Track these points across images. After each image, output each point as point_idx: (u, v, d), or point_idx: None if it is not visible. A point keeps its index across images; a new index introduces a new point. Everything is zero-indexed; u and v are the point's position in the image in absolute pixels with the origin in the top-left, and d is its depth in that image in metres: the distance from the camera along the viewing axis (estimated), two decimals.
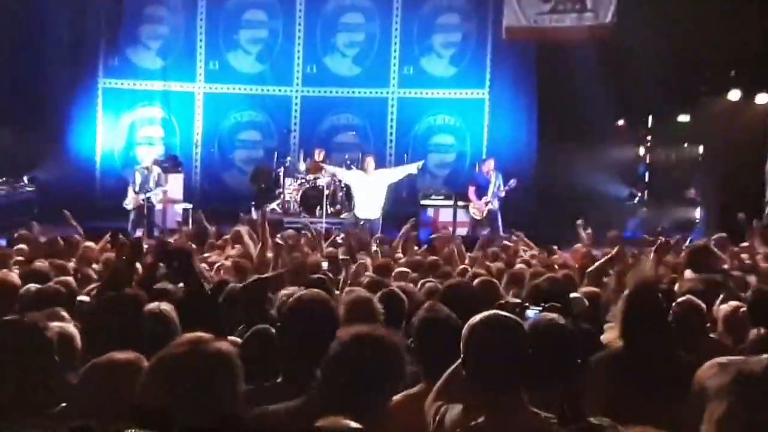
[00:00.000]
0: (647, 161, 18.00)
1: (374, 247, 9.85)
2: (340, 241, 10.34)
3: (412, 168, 15.07)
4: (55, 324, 3.42)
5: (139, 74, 18.22)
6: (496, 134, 17.81)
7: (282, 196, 16.36)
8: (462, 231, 14.97)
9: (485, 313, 3.18)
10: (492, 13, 17.55)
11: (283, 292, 4.99)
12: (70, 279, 5.89)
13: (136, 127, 18.29)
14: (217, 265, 7.91)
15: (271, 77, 18.31)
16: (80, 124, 17.98)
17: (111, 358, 2.95)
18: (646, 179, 17.86)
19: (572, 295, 5.06)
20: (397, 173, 15.19)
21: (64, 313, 4.30)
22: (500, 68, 17.83)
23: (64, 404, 2.98)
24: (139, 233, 13.28)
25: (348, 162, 16.12)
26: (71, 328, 3.78)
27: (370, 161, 14.94)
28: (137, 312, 3.94)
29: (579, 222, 11.13)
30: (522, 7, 16.17)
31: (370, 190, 14.72)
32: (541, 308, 3.77)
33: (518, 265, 8.06)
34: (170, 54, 18.28)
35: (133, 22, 18.16)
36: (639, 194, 17.68)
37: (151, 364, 2.51)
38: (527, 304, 3.93)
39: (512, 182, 14.97)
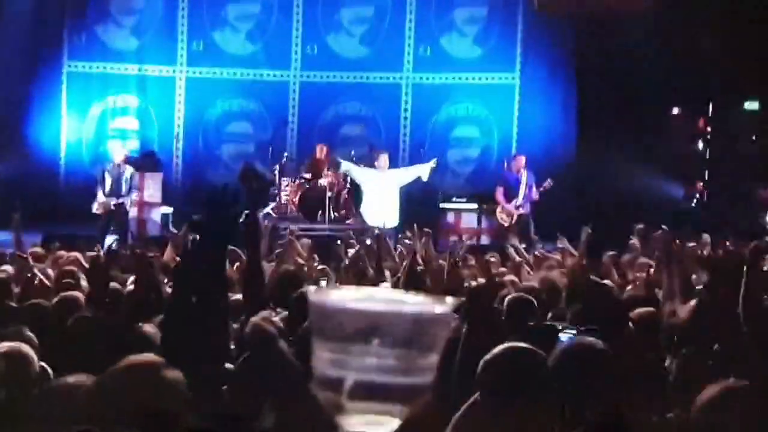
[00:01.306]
0: (707, 156, 17.88)
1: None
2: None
3: (424, 170, 15.19)
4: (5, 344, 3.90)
5: (110, 56, 18.13)
6: (528, 126, 17.77)
7: (277, 198, 16.35)
8: (485, 239, 15.26)
9: (501, 348, 3.41)
10: None
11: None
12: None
13: (106, 118, 18.22)
14: None
15: (265, 59, 18.25)
16: (41, 114, 17.92)
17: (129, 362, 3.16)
18: (706, 177, 17.76)
19: None
20: (406, 174, 15.32)
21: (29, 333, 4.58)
22: (533, 48, 17.80)
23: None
24: (109, 241, 13.10)
25: (354, 159, 16.10)
26: (25, 347, 4.04)
27: (384, 159, 15.10)
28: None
29: (639, 226, 10.78)
30: None
31: (384, 193, 14.85)
32: (576, 331, 3.97)
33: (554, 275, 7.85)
34: (146, 32, 18.20)
35: None
36: (697, 195, 17.63)
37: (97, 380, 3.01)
38: (563, 326, 4.18)
39: (547, 183, 14.98)
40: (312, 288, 1.45)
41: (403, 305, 1.39)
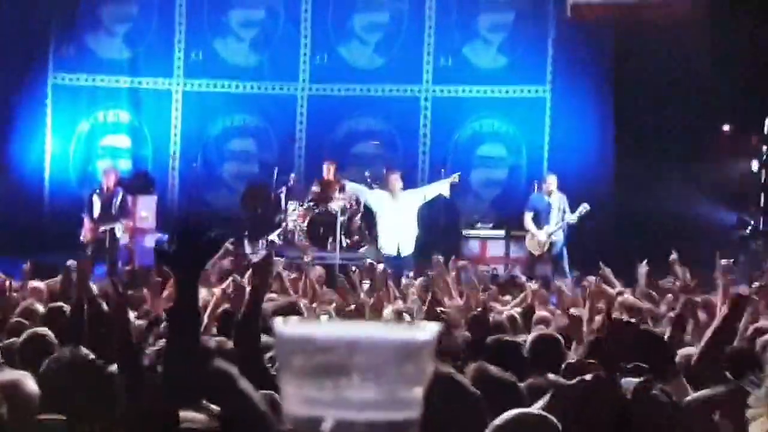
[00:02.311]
0: (762, 179, 17.73)
1: (412, 293, 9.88)
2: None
3: (444, 186, 15.13)
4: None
5: (100, 67, 18.24)
6: (561, 144, 17.73)
7: (284, 224, 16.36)
8: (500, 268, 15.34)
9: (512, 415, 3.49)
10: None
11: None
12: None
13: (96, 135, 18.30)
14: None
15: (270, 71, 18.33)
16: (23, 130, 18.01)
17: None
18: (761, 202, 17.60)
19: None
20: (426, 193, 15.27)
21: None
22: (565, 58, 17.75)
23: None
24: (98, 272, 13.10)
25: (369, 180, 16.05)
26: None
27: (395, 180, 14.99)
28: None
29: (673, 257, 10.63)
30: None
31: (398, 218, 14.73)
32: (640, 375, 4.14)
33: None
34: (140, 41, 18.30)
35: None
36: (752, 222, 17.41)
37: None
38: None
39: (582, 208, 14.90)
40: (277, 319, 1.42)
41: (383, 332, 1.38)
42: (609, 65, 17.32)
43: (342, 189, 15.92)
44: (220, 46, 18.30)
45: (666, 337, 6.04)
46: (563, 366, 5.47)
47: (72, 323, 5.94)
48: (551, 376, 5.21)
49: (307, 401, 1.38)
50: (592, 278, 10.47)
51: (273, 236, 16.19)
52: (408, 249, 14.61)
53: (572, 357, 5.94)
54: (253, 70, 18.29)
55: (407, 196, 14.88)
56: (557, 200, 15.09)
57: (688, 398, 4.82)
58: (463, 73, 18.04)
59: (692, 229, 15.70)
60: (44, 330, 5.62)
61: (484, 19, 18.03)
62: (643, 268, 10.73)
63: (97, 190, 15.09)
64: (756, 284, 8.23)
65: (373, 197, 15.20)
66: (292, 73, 18.25)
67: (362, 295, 9.20)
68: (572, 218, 14.87)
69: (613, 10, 16.39)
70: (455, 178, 15.00)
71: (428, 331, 1.39)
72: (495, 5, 18.05)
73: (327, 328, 1.40)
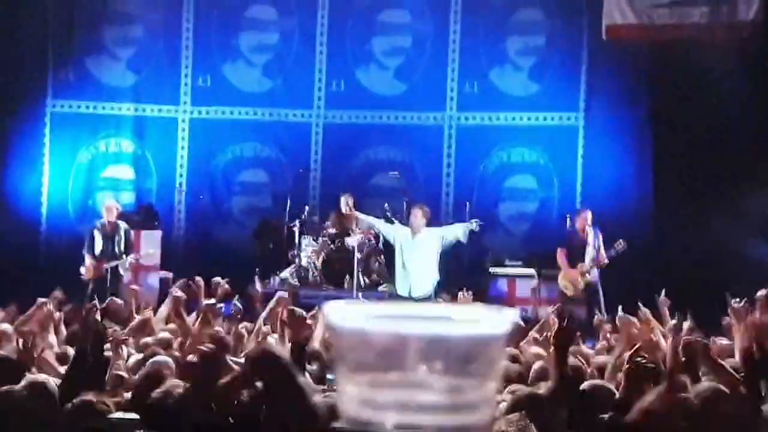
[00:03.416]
0: None
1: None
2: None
3: (461, 231, 14.49)
4: None
5: (102, 93, 18.38)
6: (595, 175, 17.79)
7: (297, 260, 16.44)
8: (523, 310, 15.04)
9: None
10: (588, 8, 17.55)
11: None
12: None
13: (97, 166, 18.40)
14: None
15: (283, 97, 18.49)
16: (20, 161, 18.10)
17: None
18: None
19: None
20: (444, 234, 14.75)
21: None
22: (600, 84, 17.82)
23: None
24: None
25: (388, 213, 16.00)
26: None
27: (417, 215, 14.53)
28: None
29: (662, 299, 10.76)
30: None
31: (416, 257, 14.36)
32: None
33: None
34: (145, 65, 18.45)
35: (95, 21, 18.33)
36: None
37: None
38: None
39: (619, 245, 14.82)
40: (333, 304, 1.38)
41: (453, 324, 1.31)
42: (646, 91, 17.30)
43: (359, 223, 15.98)
44: (230, 71, 18.42)
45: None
46: None
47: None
48: None
49: (367, 402, 1.33)
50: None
51: (285, 273, 16.20)
52: (421, 291, 14.22)
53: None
54: (265, 97, 18.39)
55: (428, 234, 14.44)
56: (591, 236, 15.04)
57: None
58: (489, 99, 18.11)
59: (737, 267, 15.32)
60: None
61: (512, 42, 18.14)
62: (663, 301, 10.76)
63: (98, 225, 15.21)
64: None
65: (392, 232, 14.89)
66: (306, 100, 18.35)
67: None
68: (607, 256, 14.90)
69: (650, 31, 16.27)
70: (474, 225, 14.38)
71: (500, 323, 1.34)
72: (524, 27, 18.13)
73: (391, 322, 1.33)
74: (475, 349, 1.31)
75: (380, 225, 15.11)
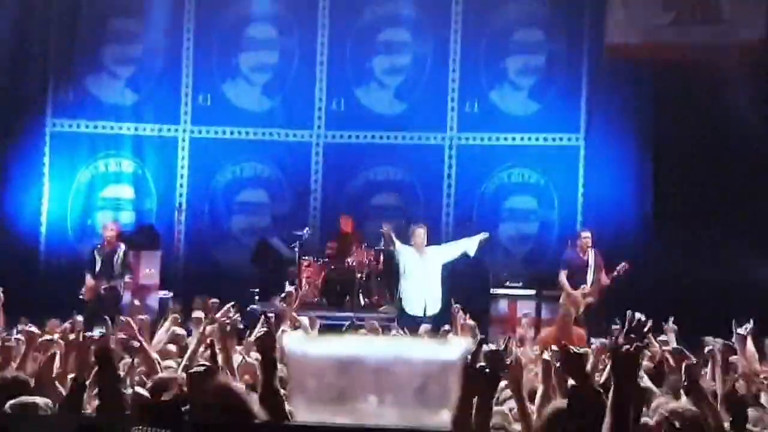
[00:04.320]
0: None
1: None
2: None
3: (471, 244, 15.18)
4: None
5: (102, 113, 18.36)
6: (595, 196, 17.82)
7: (297, 281, 16.36)
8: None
9: None
10: (589, 27, 17.66)
11: None
12: None
13: (96, 186, 18.37)
14: None
15: (283, 117, 18.51)
16: (19, 180, 18.07)
17: None
18: None
19: None
20: (450, 252, 15.33)
21: None
22: (601, 104, 17.85)
23: None
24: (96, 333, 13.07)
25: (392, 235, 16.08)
26: None
27: (420, 234, 15.02)
28: None
29: (669, 326, 10.79)
30: (632, 17, 16.52)
31: (424, 276, 14.82)
32: None
33: None
34: (145, 85, 18.46)
35: (94, 39, 18.31)
36: None
37: None
38: None
39: (621, 266, 15.04)
40: (288, 333, 1.33)
41: (408, 350, 1.27)
42: (647, 111, 17.30)
43: (360, 244, 16.01)
44: (230, 90, 18.43)
45: None
46: None
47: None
48: None
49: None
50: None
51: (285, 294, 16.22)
52: (434, 308, 14.70)
53: None
54: (265, 116, 18.41)
55: (433, 252, 14.91)
56: (593, 257, 15.18)
57: None
58: (490, 119, 18.14)
59: (740, 290, 15.35)
60: None
61: (513, 62, 18.17)
62: (671, 327, 10.80)
63: (98, 246, 15.30)
64: None
65: (399, 252, 15.26)
66: (306, 119, 18.37)
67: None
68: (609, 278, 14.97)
69: (652, 50, 16.41)
70: (483, 236, 14.97)
71: (456, 348, 1.33)
72: (525, 47, 18.16)
73: (345, 345, 1.31)
74: (427, 377, 1.27)
75: (399, 246, 15.32)
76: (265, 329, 5.99)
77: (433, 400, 1.10)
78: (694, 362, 7.15)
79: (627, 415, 4.25)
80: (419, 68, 18.37)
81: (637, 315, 4.52)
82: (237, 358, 8.53)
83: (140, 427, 2.95)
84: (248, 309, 13.19)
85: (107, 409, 5.59)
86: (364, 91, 18.45)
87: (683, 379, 6.69)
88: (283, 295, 15.92)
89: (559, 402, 5.38)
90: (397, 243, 15.26)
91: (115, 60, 18.36)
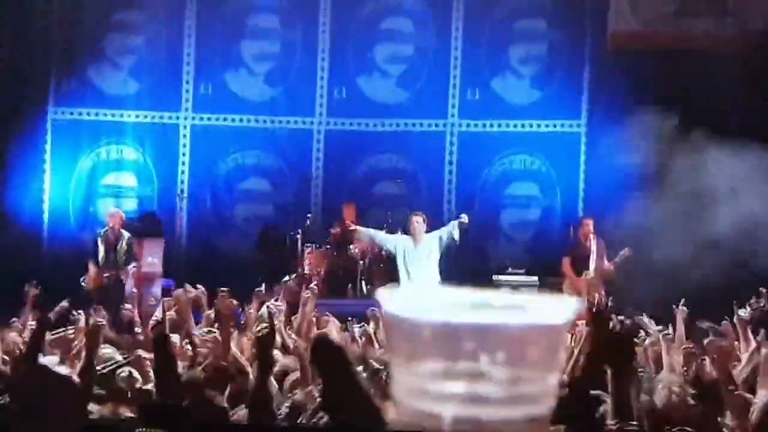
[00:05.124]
0: None
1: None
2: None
3: (452, 228, 14.45)
4: None
5: (103, 101, 18.40)
6: (597, 182, 17.83)
7: (300, 268, 16.34)
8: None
9: None
10: (591, 16, 17.69)
11: None
12: None
13: (98, 174, 18.42)
14: None
15: (285, 105, 18.53)
16: (21, 169, 18.04)
17: None
18: None
19: None
20: (441, 235, 14.71)
21: None
22: (603, 91, 17.87)
23: None
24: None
25: (391, 221, 16.22)
26: None
27: (417, 223, 14.49)
28: None
29: (682, 309, 10.52)
30: (635, 6, 16.50)
31: (420, 264, 14.41)
32: None
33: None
34: (146, 73, 18.48)
35: (97, 29, 18.31)
36: None
37: None
38: None
39: (623, 253, 15.06)
40: (386, 292, 1.38)
41: (512, 313, 1.27)
42: (649, 98, 17.09)
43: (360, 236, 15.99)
44: (232, 79, 18.48)
45: None
46: None
47: None
48: None
49: (423, 393, 1.29)
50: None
51: (288, 282, 15.94)
52: None
53: None
54: (267, 104, 18.45)
55: (428, 240, 14.53)
56: (595, 244, 15.16)
57: None
58: (491, 107, 18.20)
59: (747, 273, 15.28)
60: None
61: (515, 51, 18.22)
62: (681, 312, 10.73)
63: (101, 233, 15.28)
64: None
65: (392, 242, 14.90)
66: (308, 107, 18.42)
67: None
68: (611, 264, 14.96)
69: (656, 42, 16.41)
70: (464, 218, 14.34)
71: (564, 312, 1.30)
72: (527, 35, 18.23)
73: (446, 309, 1.29)
74: (536, 338, 1.26)
75: (380, 236, 15.07)
76: (266, 327, 5.94)
77: (542, 362, 1.07)
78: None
79: (629, 397, 4.34)
80: (421, 56, 18.42)
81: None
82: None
83: (144, 429, 2.93)
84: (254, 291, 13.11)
85: (164, 390, 5.60)
86: (366, 79, 18.49)
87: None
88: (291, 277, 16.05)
89: None
90: (387, 236, 14.98)
91: (117, 49, 18.37)
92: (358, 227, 15.44)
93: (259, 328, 6.25)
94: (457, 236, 14.57)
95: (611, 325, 8.12)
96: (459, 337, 1.25)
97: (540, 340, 1.27)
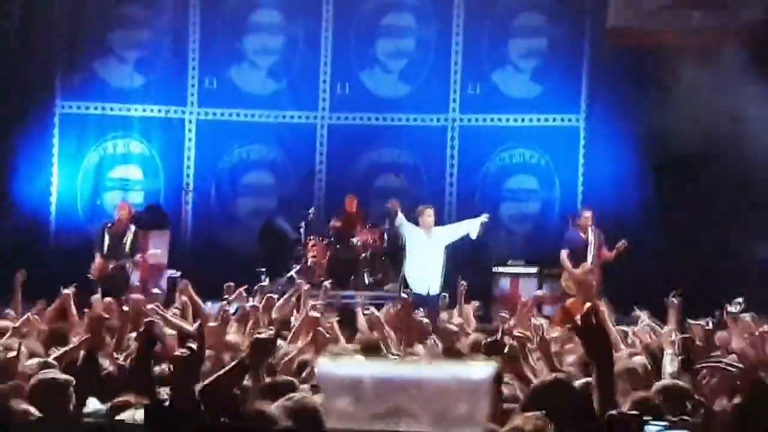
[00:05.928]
0: None
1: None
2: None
3: (473, 226, 15.02)
4: None
5: (110, 95, 18.38)
6: (596, 176, 17.84)
7: (303, 260, 16.45)
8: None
9: None
10: (590, 11, 17.63)
11: None
12: None
13: (105, 167, 18.39)
14: None
15: (288, 99, 18.50)
16: (29, 161, 18.04)
17: None
18: None
19: None
20: (453, 233, 15.20)
21: None
22: (601, 85, 17.83)
23: None
24: None
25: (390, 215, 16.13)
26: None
27: (429, 215, 14.87)
28: None
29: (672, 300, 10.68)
30: (634, 2, 16.49)
31: (429, 256, 14.72)
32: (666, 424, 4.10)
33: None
34: (152, 68, 18.46)
35: (103, 24, 18.28)
36: None
37: None
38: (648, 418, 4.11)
39: (621, 244, 15.03)
40: (322, 360, 1.41)
41: (433, 373, 1.32)
42: (647, 92, 17.16)
43: (365, 223, 16.02)
44: (236, 74, 18.45)
45: None
46: None
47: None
48: None
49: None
50: None
51: (292, 273, 16.14)
52: (436, 288, 14.65)
53: None
54: (271, 99, 18.40)
55: (438, 233, 14.85)
56: (593, 236, 15.19)
57: None
58: (492, 101, 18.16)
59: (742, 267, 15.33)
60: None
61: (515, 45, 18.18)
62: (674, 302, 10.66)
63: (109, 225, 15.35)
64: None
65: (408, 230, 15.08)
66: (311, 102, 18.40)
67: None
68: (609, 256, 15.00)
69: (653, 35, 16.38)
70: (485, 218, 14.87)
71: (485, 369, 1.33)
72: (527, 30, 18.18)
73: (375, 368, 1.30)
74: (460, 394, 1.31)
75: (406, 226, 15.10)
76: (270, 333, 5.73)
77: (465, 419, 1.14)
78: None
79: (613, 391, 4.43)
80: (422, 51, 18.38)
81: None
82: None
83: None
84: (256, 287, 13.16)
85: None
86: (368, 74, 18.45)
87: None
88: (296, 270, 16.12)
89: None
90: (405, 221, 15.07)
91: (123, 43, 18.34)
92: (399, 211, 15.13)
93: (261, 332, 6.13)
94: (474, 236, 14.78)
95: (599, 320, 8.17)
96: (384, 398, 1.31)
97: (459, 399, 1.32)
